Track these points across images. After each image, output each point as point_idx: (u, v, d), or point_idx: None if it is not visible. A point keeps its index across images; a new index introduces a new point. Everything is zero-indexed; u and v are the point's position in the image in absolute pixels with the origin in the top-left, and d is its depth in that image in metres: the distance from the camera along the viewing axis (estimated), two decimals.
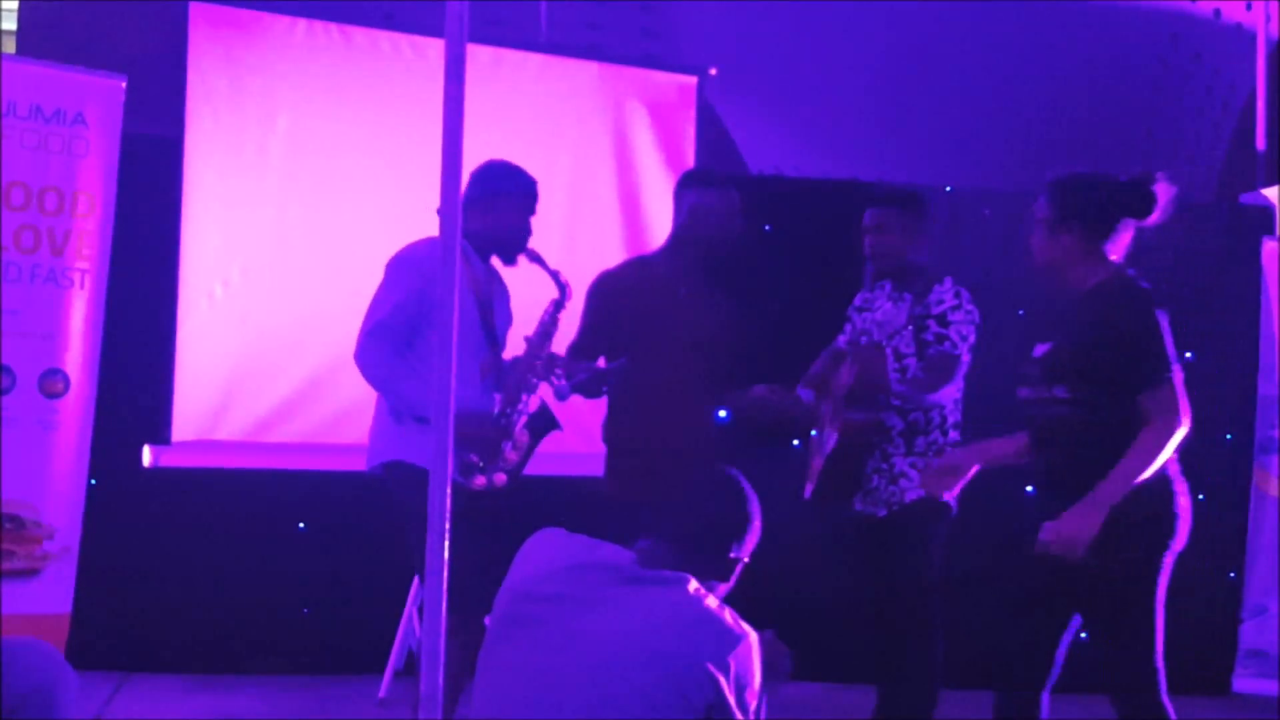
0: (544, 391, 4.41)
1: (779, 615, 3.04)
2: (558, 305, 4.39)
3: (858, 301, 4.88)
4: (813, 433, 4.78)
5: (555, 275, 4.38)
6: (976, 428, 4.78)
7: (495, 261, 4.43)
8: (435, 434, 2.64)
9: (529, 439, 4.31)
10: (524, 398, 4.31)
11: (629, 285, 4.78)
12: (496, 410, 4.27)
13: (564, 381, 4.53)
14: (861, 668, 4.83)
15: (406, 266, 4.23)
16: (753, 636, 2.55)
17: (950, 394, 4.56)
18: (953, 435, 4.61)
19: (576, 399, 4.58)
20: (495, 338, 4.35)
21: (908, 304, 4.54)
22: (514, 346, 4.45)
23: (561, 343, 4.44)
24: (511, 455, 4.26)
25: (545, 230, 5.64)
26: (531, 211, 4.39)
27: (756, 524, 2.76)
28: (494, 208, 4.29)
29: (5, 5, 9.71)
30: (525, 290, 4.49)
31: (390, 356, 4.17)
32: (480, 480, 4.16)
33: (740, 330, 4.73)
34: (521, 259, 4.37)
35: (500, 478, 4.22)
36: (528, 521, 2.98)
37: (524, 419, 4.30)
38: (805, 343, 4.93)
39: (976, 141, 7.43)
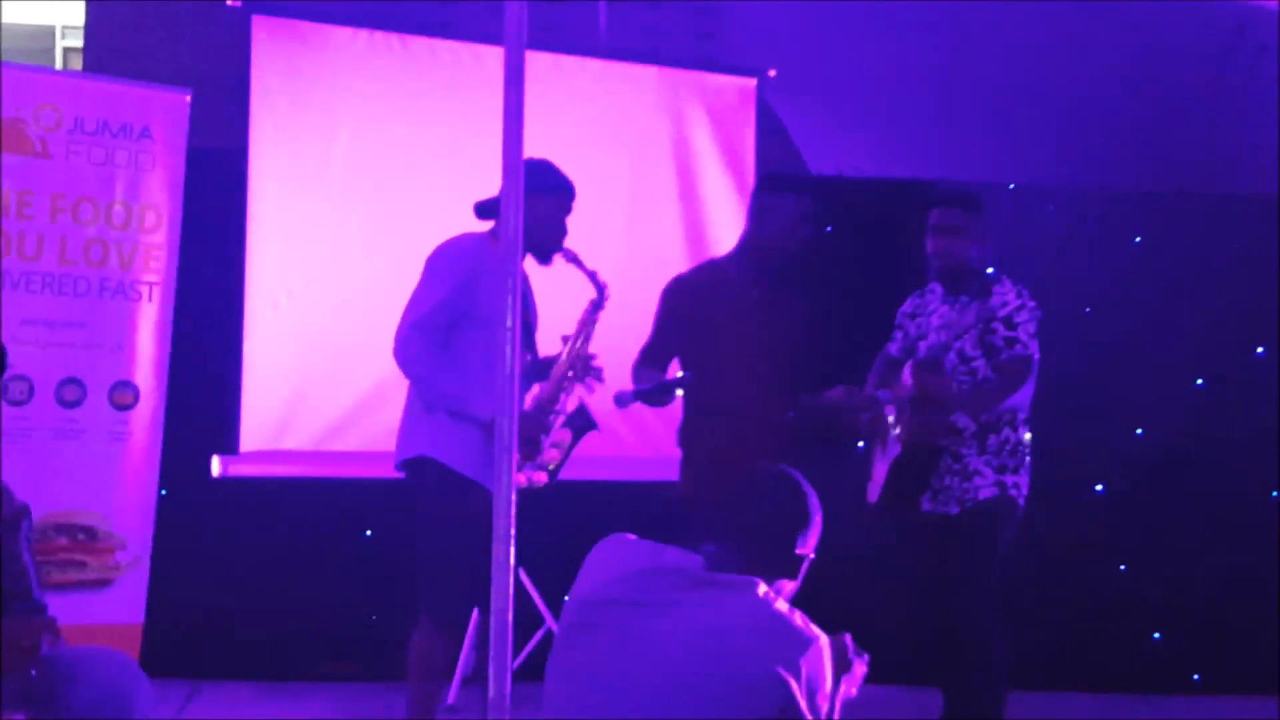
0: (580, 391, 4.39)
1: (844, 618, 3.02)
2: (596, 306, 4.38)
3: (907, 308, 4.83)
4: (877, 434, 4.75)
5: (593, 276, 4.36)
6: (1041, 423, 4.74)
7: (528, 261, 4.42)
8: (498, 434, 2.61)
9: (569, 439, 4.32)
10: (562, 397, 4.31)
11: (702, 289, 4.77)
12: (534, 408, 4.28)
13: (628, 389, 4.53)
14: (928, 670, 4.80)
15: (447, 262, 4.24)
16: (823, 639, 2.53)
17: (1027, 393, 4.53)
18: (1023, 431, 4.57)
19: (636, 405, 4.58)
20: (532, 336, 4.36)
21: (974, 307, 4.47)
22: (544, 344, 4.45)
23: (598, 342, 4.42)
24: (551, 454, 4.27)
25: (606, 234, 5.67)
26: (567, 211, 4.34)
27: (817, 518, 2.74)
28: (529, 207, 4.20)
29: (72, 22, 9.86)
30: (564, 291, 4.47)
31: (431, 351, 4.16)
32: (520, 479, 4.16)
33: (810, 332, 4.71)
34: (559, 259, 4.34)
35: (540, 477, 4.23)
36: (596, 527, 2.98)
37: (562, 418, 4.31)
38: (868, 344, 4.91)
39: (1038, 138, 7.36)
